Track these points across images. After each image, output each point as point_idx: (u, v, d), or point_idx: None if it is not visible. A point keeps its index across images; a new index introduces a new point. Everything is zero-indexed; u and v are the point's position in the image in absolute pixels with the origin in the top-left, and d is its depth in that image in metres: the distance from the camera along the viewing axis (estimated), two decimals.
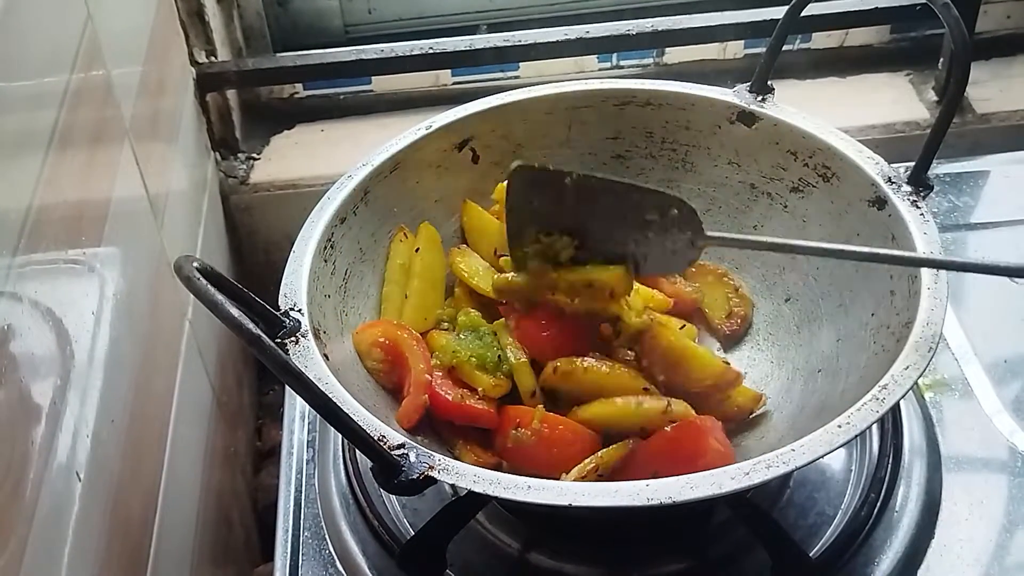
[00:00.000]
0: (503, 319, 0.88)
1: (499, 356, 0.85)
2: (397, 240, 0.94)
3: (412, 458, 0.68)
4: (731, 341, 0.96)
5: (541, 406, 0.83)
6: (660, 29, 1.42)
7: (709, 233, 0.80)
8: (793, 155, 0.94)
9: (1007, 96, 1.51)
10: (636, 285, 0.87)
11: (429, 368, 0.84)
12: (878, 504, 0.86)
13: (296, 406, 1.03)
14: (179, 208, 1.21)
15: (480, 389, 0.83)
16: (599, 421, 0.82)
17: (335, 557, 0.89)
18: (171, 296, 1.11)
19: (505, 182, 0.84)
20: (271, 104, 1.57)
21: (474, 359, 0.84)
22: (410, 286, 0.92)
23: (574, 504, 0.67)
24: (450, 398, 0.83)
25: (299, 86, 1.56)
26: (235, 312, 0.61)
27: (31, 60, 0.82)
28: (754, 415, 0.88)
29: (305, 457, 0.98)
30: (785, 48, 0.97)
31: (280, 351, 0.62)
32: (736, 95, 0.97)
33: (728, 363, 0.88)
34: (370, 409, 0.74)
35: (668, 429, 0.79)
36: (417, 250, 0.94)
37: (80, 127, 0.89)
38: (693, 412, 0.82)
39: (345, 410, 0.65)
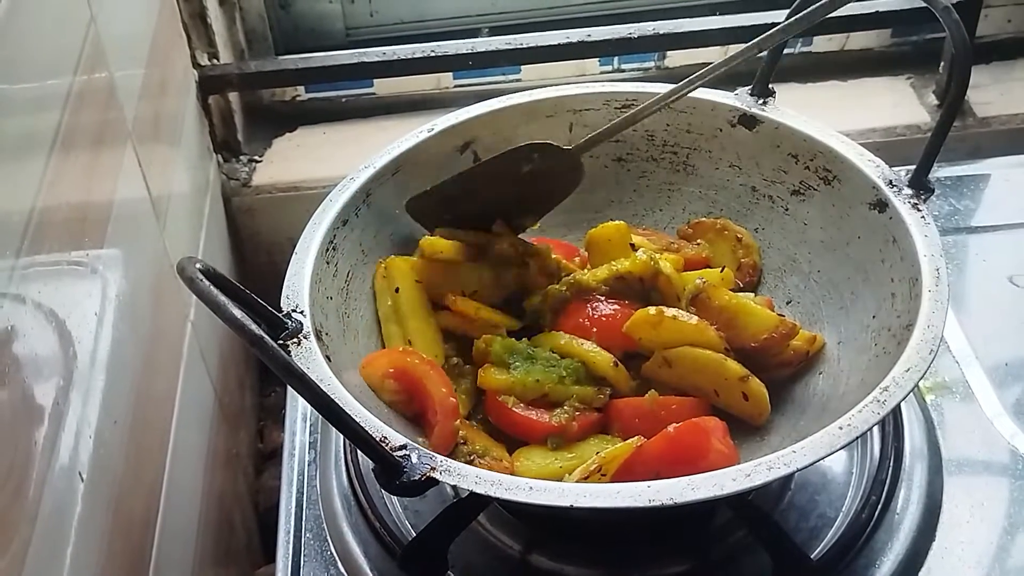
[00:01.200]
0: (546, 332, 0.89)
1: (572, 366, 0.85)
2: (380, 276, 0.91)
3: (414, 459, 0.68)
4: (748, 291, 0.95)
5: (653, 391, 0.84)
6: (661, 32, 1.42)
7: (571, 147, 0.90)
8: (794, 158, 0.94)
9: (1008, 100, 1.52)
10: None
11: (451, 391, 0.83)
12: (879, 506, 0.86)
13: (298, 408, 1.03)
14: (181, 210, 1.22)
15: (573, 400, 0.84)
16: (686, 365, 0.84)
17: (337, 558, 0.89)
18: (173, 297, 1.11)
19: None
20: (273, 106, 1.58)
21: (567, 378, 0.84)
22: (408, 328, 0.89)
23: (575, 505, 0.67)
24: (556, 422, 0.83)
25: (301, 89, 1.56)
26: (238, 313, 0.61)
27: (34, 62, 0.82)
28: (811, 355, 0.87)
29: (307, 459, 0.98)
30: (786, 52, 0.97)
31: (282, 352, 0.62)
32: (737, 98, 0.97)
33: (783, 315, 0.88)
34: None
35: (671, 429, 0.79)
36: (397, 290, 0.90)
37: (83, 129, 0.89)
38: (765, 391, 0.83)
39: (347, 411, 0.65)
